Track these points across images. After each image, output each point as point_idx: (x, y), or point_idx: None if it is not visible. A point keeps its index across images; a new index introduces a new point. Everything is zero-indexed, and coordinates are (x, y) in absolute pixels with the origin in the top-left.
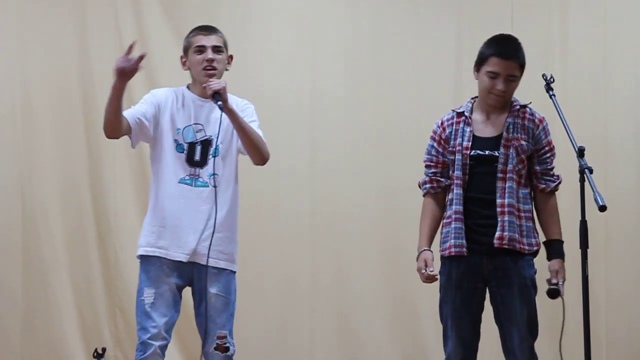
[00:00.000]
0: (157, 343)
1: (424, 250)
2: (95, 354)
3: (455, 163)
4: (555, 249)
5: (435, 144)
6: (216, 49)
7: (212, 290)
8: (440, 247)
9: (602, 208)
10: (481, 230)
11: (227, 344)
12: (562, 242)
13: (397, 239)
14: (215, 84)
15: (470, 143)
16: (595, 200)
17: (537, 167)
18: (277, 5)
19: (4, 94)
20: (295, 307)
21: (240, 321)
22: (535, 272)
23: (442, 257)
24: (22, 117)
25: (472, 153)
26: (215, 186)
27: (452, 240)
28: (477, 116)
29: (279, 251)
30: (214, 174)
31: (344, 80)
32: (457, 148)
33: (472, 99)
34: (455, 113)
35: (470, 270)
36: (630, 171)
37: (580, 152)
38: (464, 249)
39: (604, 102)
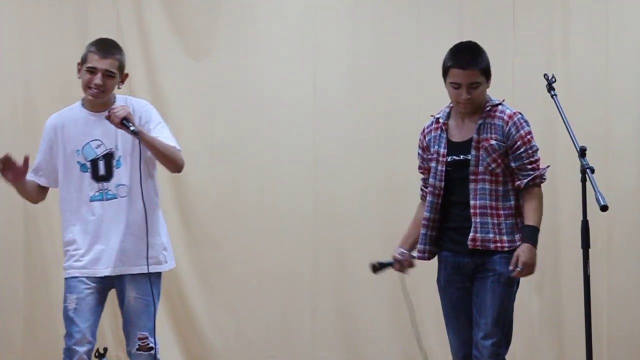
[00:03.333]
0: (82, 349)
1: (398, 251)
2: (96, 353)
3: (432, 171)
4: (524, 234)
5: (420, 151)
6: (107, 74)
7: (132, 293)
8: None
9: (604, 208)
10: (463, 231)
11: (150, 344)
12: (535, 227)
13: (399, 237)
14: (118, 111)
15: (446, 150)
16: (597, 200)
17: (513, 164)
18: (278, 4)
19: (6, 94)
20: (297, 305)
21: (242, 319)
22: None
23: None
24: (23, 117)
25: (448, 159)
26: (123, 196)
27: (418, 246)
28: (453, 121)
29: (280, 249)
30: (119, 185)
31: (345, 79)
32: (434, 156)
33: (451, 102)
34: (434, 119)
35: (456, 271)
36: (631, 171)
37: (582, 152)
38: (425, 254)
39: (605, 101)
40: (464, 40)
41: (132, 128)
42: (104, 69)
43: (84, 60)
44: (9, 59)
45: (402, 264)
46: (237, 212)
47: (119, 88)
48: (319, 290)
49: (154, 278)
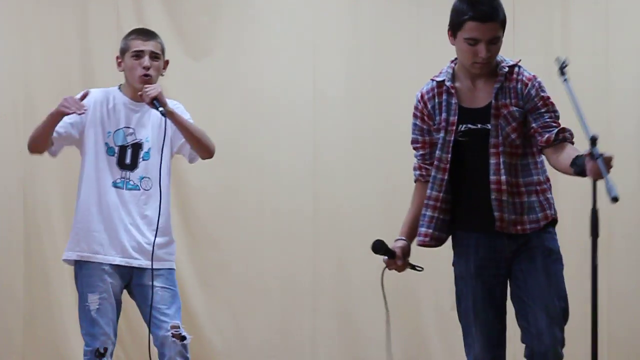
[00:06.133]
0: (107, 350)
1: (397, 239)
2: (97, 353)
3: (438, 142)
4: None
5: (417, 122)
6: (153, 55)
7: (157, 283)
8: None
9: (614, 199)
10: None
11: (182, 333)
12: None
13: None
14: (151, 89)
15: (456, 117)
16: (608, 190)
17: (534, 125)
18: (278, 4)
19: (6, 94)
20: (297, 306)
21: (242, 320)
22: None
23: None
24: (24, 117)
25: (462, 128)
26: (147, 189)
27: (419, 229)
28: (462, 84)
29: (280, 250)
30: (144, 177)
31: (345, 80)
32: (442, 124)
33: (452, 62)
34: (435, 83)
35: (490, 256)
36: (632, 170)
37: (593, 141)
38: (428, 239)
39: (606, 100)
40: None
41: (160, 109)
42: (149, 51)
43: (124, 49)
44: (9, 58)
45: (397, 263)
46: (237, 211)
47: (161, 75)
48: (319, 290)
49: (172, 272)
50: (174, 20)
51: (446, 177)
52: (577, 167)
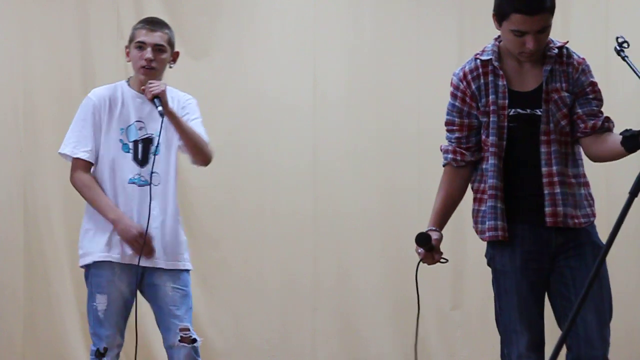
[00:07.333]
0: (112, 352)
1: (431, 229)
2: (96, 353)
3: (490, 126)
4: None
5: (457, 102)
6: (157, 48)
7: (169, 284)
8: (477, 229)
9: None
10: (541, 200)
11: (193, 336)
12: None
13: (399, 239)
14: (154, 87)
15: (507, 101)
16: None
17: (580, 110)
18: (279, 4)
19: (6, 94)
20: (298, 307)
21: (242, 321)
22: None
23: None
24: (24, 117)
25: (511, 113)
26: (156, 185)
27: (487, 223)
28: (508, 65)
29: (281, 251)
30: (154, 173)
31: (346, 81)
32: (490, 107)
33: (496, 40)
34: (479, 62)
35: (537, 249)
36: (632, 171)
37: None
38: (499, 232)
39: (605, 101)
40: (464, 40)
41: (159, 108)
42: (153, 43)
43: (131, 39)
44: (10, 58)
45: (434, 258)
46: (237, 212)
47: (170, 67)
48: (319, 290)
49: (186, 273)
50: (174, 20)
51: (502, 165)
52: (630, 140)
